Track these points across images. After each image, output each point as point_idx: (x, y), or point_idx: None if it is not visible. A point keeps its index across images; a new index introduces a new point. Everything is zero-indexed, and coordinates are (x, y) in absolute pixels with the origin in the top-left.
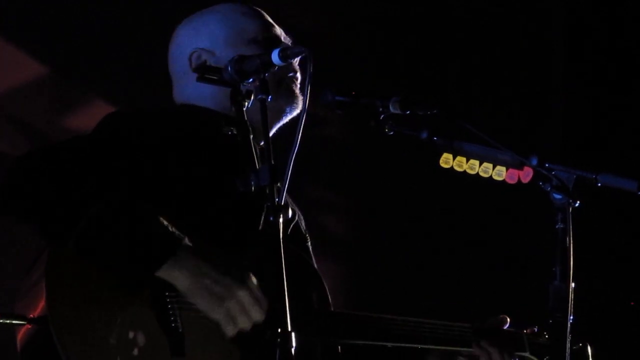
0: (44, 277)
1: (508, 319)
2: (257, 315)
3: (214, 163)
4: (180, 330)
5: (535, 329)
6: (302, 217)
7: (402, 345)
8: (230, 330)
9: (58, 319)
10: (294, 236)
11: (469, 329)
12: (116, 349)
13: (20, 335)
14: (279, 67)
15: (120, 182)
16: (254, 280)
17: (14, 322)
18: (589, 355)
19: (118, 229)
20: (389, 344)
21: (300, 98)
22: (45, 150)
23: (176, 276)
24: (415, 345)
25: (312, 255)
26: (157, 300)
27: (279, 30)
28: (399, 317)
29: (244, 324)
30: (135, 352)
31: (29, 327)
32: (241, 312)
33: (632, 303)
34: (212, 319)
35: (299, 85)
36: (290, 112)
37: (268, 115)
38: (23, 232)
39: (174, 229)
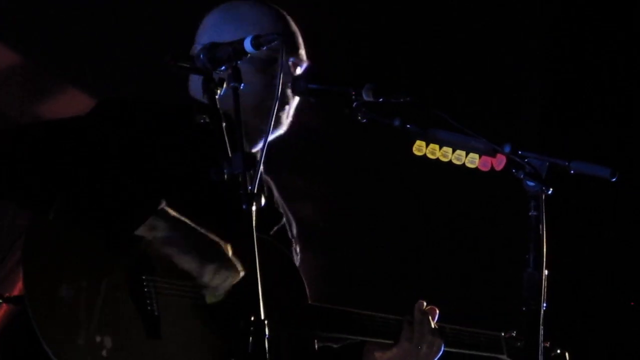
0: (21, 257)
1: (437, 310)
2: (232, 277)
3: (187, 152)
4: (155, 313)
5: (514, 333)
6: (293, 224)
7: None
8: (208, 277)
9: (34, 298)
10: (279, 238)
11: (396, 320)
12: (92, 329)
13: None
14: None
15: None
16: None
17: None
18: None
19: (100, 191)
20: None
21: (286, 126)
22: (30, 127)
23: (157, 225)
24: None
25: (296, 260)
26: (134, 283)
27: (298, 43)
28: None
29: (224, 285)
30: (111, 332)
31: (8, 308)
32: (224, 268)
33: (632, 303)
34: (186, 268)
35: (286, 112)
36: (272, 133)
37: (250, 134)
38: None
39: (151, 192)
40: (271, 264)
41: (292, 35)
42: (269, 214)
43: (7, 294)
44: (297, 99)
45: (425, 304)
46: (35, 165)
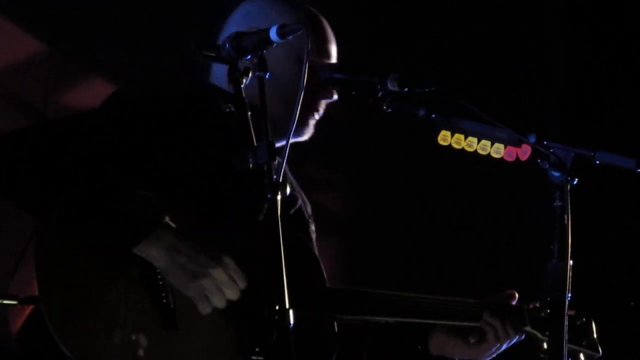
0: (34, 257)
1: (516, 294)
2: (232, 294)
3: (212, 141)
4: (172, 306)
5: (538, 304)
6: (307, 203)
7: (402, 320)
8: (203, 308)
9: (49, 298)
10: (296, 220)
11: (472, 304)
12: (109, 324)
13: (16, 318)
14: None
15: (111, 160)
16: (229, 260)
17: (5, 302)
18: (593, 330)
19: (99, 205)
20: (390, 320)
21: (312, 131)
22: (38, 128)
23: (153, 255)
24: (415, 320)
25: (314, 240)
26: (149, 277)
27: (332, 48)
28: (398, 292)
29: (219, 302)
30: (129, 326)
31: (25, 309)
32: (215, 290)
33: (632, 303)
34: (187, 296)
35: (315, 119)
36: (294, 138)
37: (279, 129)
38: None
39: (155, 207)
40: (287, 249)
41: (326, 39)
42: (285, 198)
43: (22, 295)
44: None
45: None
46: (38, 168)
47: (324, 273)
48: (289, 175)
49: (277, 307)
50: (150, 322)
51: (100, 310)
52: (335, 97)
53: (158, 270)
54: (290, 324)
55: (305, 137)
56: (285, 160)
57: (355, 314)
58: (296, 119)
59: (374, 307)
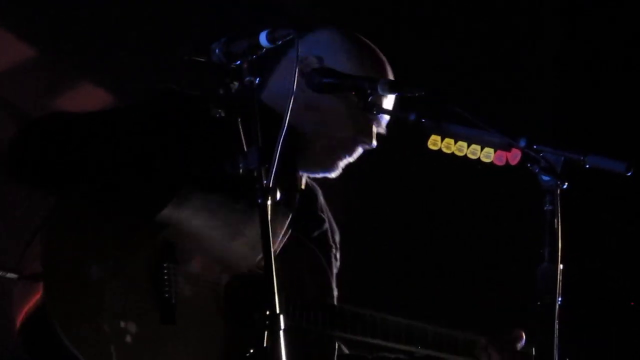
0: (42, 236)
1: (524, 335)
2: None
3: (202, 146)
4: (173, 301)
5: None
6: (336, 231)
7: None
8: (249, 259)
9: (50, 276)
10: (319, 242)
11: (475, 342)
12: (103, 309)
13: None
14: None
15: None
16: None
17: (7, 275)
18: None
19: (120, 182)
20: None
21: (339, 172)
22: (55, 118)
23: (184, 215)
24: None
25: (333, 266)
26: (155, 270)
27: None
28: (405, 320)
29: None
30: (124, 314)
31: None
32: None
33: (632, 303)
34: (234, 251)
35: (345, 161)
36: (321, 174)
37: (304, 159)
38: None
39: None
40: (298, 261)
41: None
42: (310, 218)
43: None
44: (359, 150)
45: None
46: (61, 156)
47: (333, 289)
48: (322, 201)
49: (267, 312)
50: (147, 314)
51: (98, 295)
52: (375, 144)
53: (165, 265)
54: (280, 329)
55: (332, 175)
56: (275, 165)
57: (357, 334)
58: (286, 123)
59: (376, 331)
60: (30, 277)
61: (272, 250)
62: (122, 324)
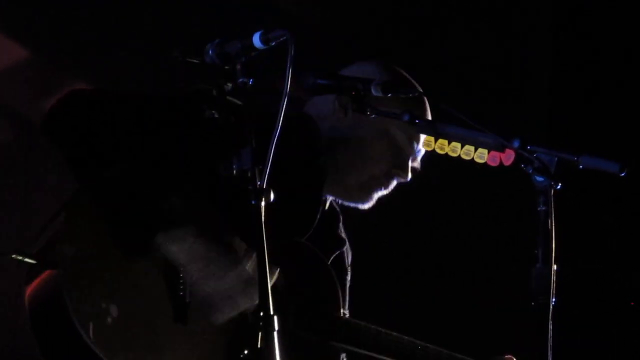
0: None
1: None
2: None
3: (196, 147)
4: (187, 300)
5: None
6: (349, 252)
7: None
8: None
9: (68, 263)
10: (335, 264)
11: None
12: (115, 302)
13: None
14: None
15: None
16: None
17: (26, 259)
18: None
19: (142, 183)
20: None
21: (371, 204)
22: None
23: (181, 257)
24: None
25: (346, 288)
26: (172, 268)
27: (418, 147)
28: (409, 338)
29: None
30: (136, 309)
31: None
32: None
33: (632, 303)
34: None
35: (380, 194)
36: (353, 204)
37: (336, 189)
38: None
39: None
40: (309, 272)
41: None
42: (332, 238)
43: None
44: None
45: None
46: (94, 133)
47: (341, 301)
48: (341, 224)
49: (261, 313)
50: (159, 311)
51: (112, 286)
52: (409, 178)
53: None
54: (274, 330)
55: (365, 206)
56: (269, 166)
57: (364, 348)
58: (280, 124)
59: (381, 347)
60: (49, 263)
61: (266, 251)
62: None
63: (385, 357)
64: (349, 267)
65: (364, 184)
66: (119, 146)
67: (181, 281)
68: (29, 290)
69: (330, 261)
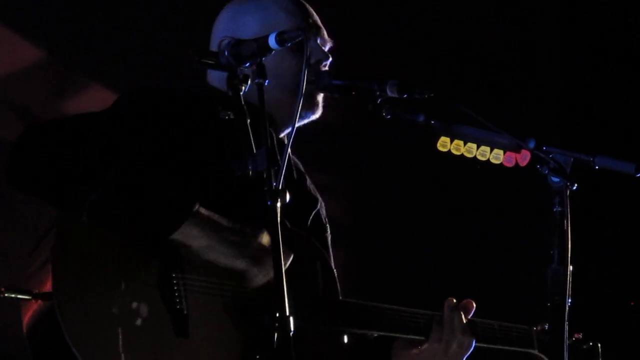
0: (51, 254)
1: (474, 304)
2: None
3: (211, 148)
4: (185, 312)
5: (545, 326)
6: (323, 206)
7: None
8: (259, 276)
9: (62, 296)
10: (314, 225)
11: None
12: (119, 327)
13: (27, 315)
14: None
15: (129, 156)
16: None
17: (19, 296)
18: (599, 355)
19: (132, 194)
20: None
21: (320, 110)
22: (58, 123)
23: (194, 235)
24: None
25: (329, 246)
26: (164, 282)
27: (323, 34)
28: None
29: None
30: (139, 322)
31: (36, 307)
32: (265, 252)
33: (632, 303)
34: (238, 269)
35: (319, 96)
36: (307, 117)
37: (283, 117)
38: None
39: (186, 195)
40: (303, 258)
41: (312, 17)
42: (305, 199)
43: (36, 290)
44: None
45: (454, 300)
46: (64, 163)
47: (338, 284)
48: (307, 176)
49: (277, 314)
50: (161, 328)
51: (112, 313)
52: (330, 58)
53: (174, 275)
54: (290, 331)
55: (315, 116)
56: (289, 149)
57: (366, 328)
58: (295, 123)
59: (384, 322)
60: (42, 296)
61: (282, 252)
62: (141, 342)
63: (388, 333)
64: (327, 224)
65: (293, 92)
66: (97, 166)
67: (176, 294)
68: (26, 321)
69: (309, 222)
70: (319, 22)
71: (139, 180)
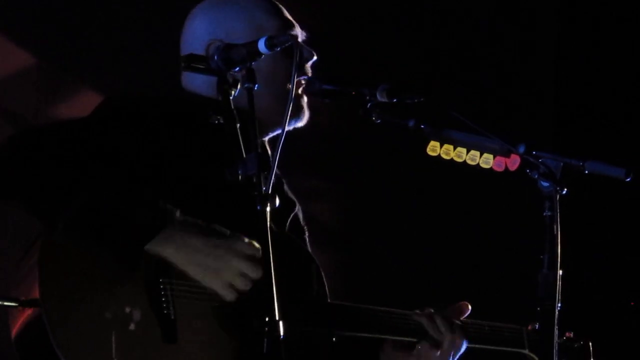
0: (38, 260)
1: (469, 307)
2: (254, 273)
3: (201, 153)
4: (172, 317)
5: (536, 326)
6: (300, 209)
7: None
8: (229, 296)
9: (50, 303)
10: (293, 227)
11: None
12: (108, 333)
13: (15, 322)
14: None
15: (110, 165)
16: (244, 240)
17: (5, 303)
18: (590, 354)
19: (108, 206)
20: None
21: (307, 117)
22: (39, 131)
23: (168, 252)
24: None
25: (309, 248)
26: (151, 287)
27: (297, 31)
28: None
29: (245, 286)
30: (132, 327)
31: (24, 314)
32: (238, 276)
33: (632, 303)
34: (211, 290)
35: (306, 100)
36: (295, 123)
37: (270, 121)
38: (18, 218)
39: (164, 203)
40: (291, 261)
41: (285, 14)
42: (282, 202)
43: (23, 298)
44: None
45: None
46: (41, 173)
47: (326, 287)
48: (283, 181)
49: (266, 319)
50: (150, 331)
51: (100, 319)
52: (315, 55)
53: (161, 280)
54: (280, 335)
55: (300, 123)
56: (278, 153)
57: (355, 330)
58: (285, 128)
59: (372, 324)
60: (30, 303)
61: (271, 256)
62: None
63: (379, 335)
64: (305, 226)
65: (281, 96)
66: (73, 178)
67: (163, 299)
68: (15, 331)
69: (287, 225)
70: (296, 28)
71: (110, 198)
